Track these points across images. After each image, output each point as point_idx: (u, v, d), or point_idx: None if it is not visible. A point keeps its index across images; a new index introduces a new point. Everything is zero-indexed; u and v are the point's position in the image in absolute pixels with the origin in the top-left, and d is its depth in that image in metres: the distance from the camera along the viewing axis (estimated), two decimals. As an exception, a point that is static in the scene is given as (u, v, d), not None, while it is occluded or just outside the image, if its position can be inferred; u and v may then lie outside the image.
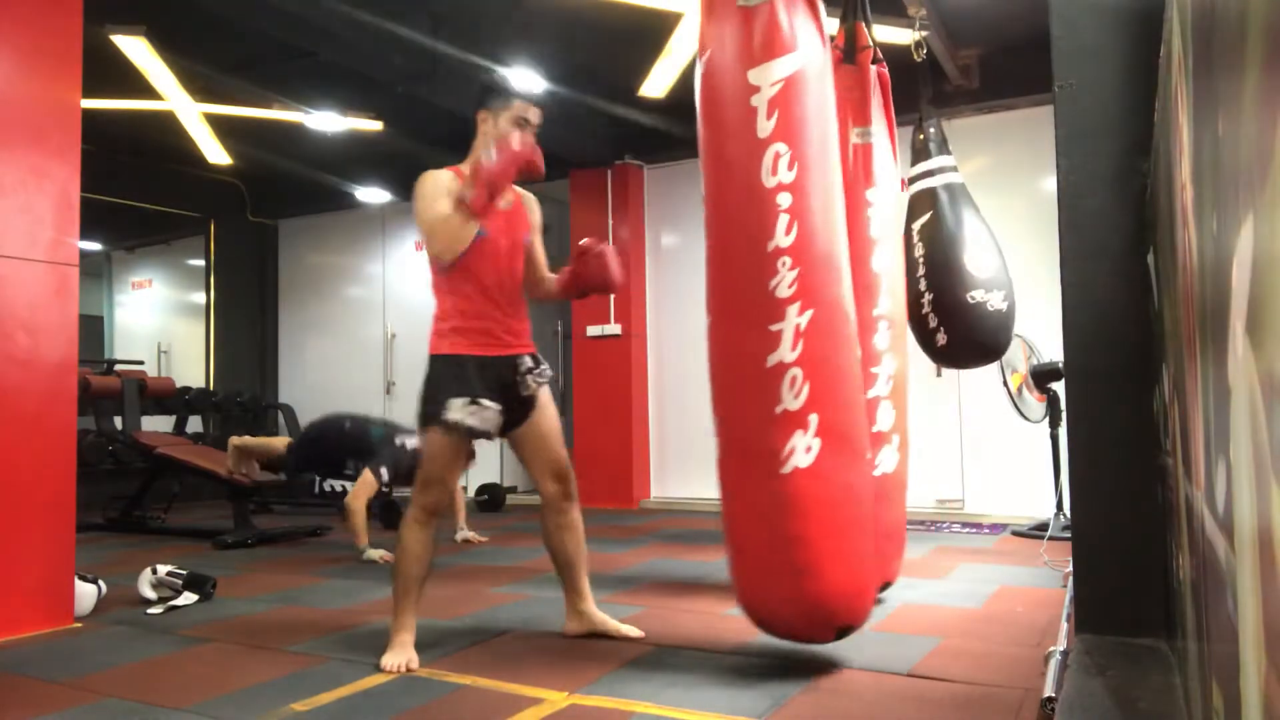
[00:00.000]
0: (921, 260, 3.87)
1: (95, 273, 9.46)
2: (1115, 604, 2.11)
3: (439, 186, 2.60)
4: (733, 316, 2.38)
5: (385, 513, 5.27)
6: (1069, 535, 2.59)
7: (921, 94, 4.16)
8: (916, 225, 3.98)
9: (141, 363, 7.48)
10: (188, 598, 3.38)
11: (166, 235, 8.91)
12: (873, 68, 3.31)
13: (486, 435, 2.64)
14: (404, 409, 7.55)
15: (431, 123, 6.08)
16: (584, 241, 2.76)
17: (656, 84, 5.00)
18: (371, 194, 7.60)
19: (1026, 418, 4.73)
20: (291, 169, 7.30)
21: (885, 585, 3.24)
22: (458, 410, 2.55)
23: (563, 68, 5.33)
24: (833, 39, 3.42)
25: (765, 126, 2.29)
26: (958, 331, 3.78)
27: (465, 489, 5.67)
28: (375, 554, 4.29)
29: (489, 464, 6.94)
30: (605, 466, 6.61)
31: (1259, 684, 0.59)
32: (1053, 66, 2.23)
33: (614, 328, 6.66)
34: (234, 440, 5.18)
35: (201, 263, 8.58)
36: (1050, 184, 3.00)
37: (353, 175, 7.39)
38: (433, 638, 2.82)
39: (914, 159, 4.18)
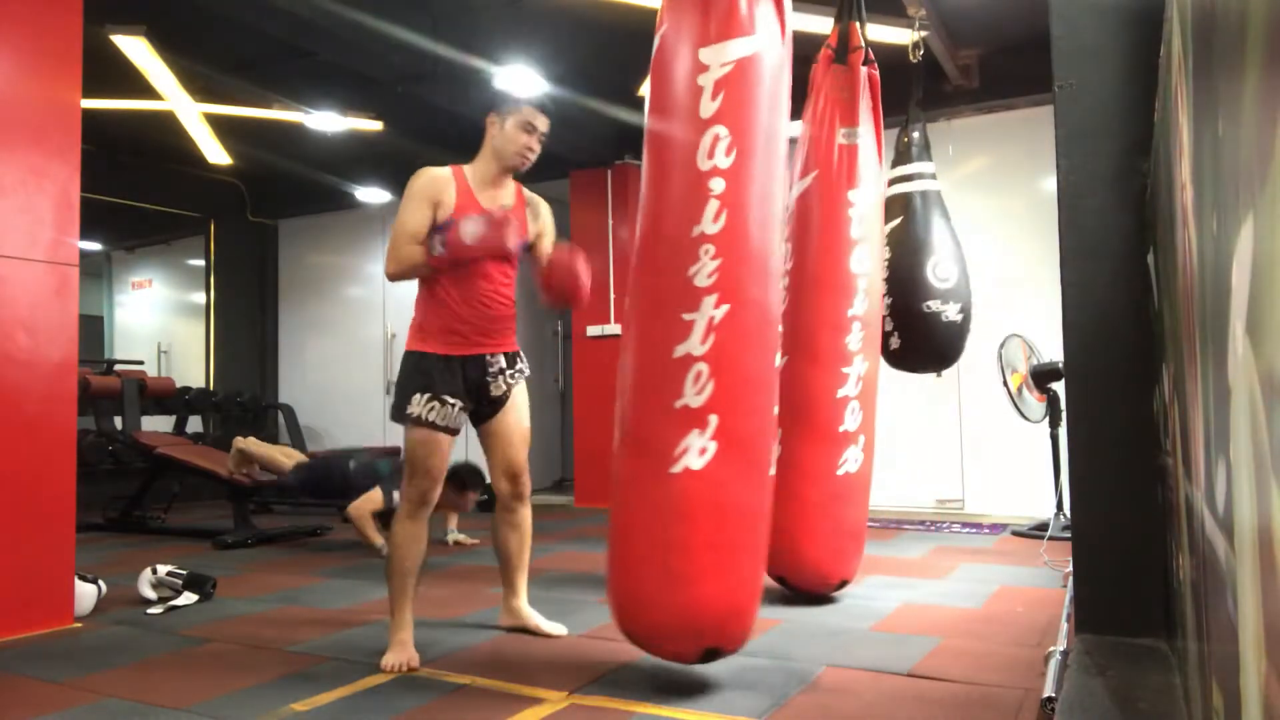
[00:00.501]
0: (886, 264, 3.90)
1: (95, 273, 9.46)
2: (1115, 604, 2.11)
3: (426, 191, 2.64)
4: (647, 302, 2.24)
5: (385, 517, 5.26)
6: (1069, 535, 2.59)
7: (911, 96, 4.16)
8: (887, 228, 4.00)
9: (141, 363, 7.47)
10: (188, 598, 3.38)
11: (166, 235, 8.90)
12: (863, 69, 3.31)
13: (451, 431, 2.68)
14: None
15: (431, 123, 6.08)
16: (555, 251, 2.75)
17: (656, 84, 5.00)
18: (371, 194, 7.60)
19: (1026, 418, 4.73)
20: (291, 169, 7.30)
21: (842, 583, 3.25)
22: (418, 406, 2.61)
23: (562, 68, 5.33)
24: (826, 39, 3.43)
25: (709, 107, 2.19)
26: (911, 338, 3.82)
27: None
28: (458, 536, 4.35)
29: (484, 465, 6.94)
30: (605, 466, 6.56)
31: (1259, 684, 0.59)
32: (1053, 66, 2.23)
33: (614, 328, 6.65)
34: (239, 442, 5.16)
35: (201, 263, 8.58)
36: (1050, 184, 3.00)
37: (353, 175, 7.39)
38: (433, 638, 2.82)
39: (895, 161, 4.19)
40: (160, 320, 9.23)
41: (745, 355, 2.18)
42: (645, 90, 5.13)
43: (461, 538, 4.95)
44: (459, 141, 6.38)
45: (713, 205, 2.16)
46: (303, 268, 8.40)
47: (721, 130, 2.17)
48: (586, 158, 6.57)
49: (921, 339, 3.87)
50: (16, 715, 2.18)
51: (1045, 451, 4.73)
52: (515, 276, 2.76)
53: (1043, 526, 4.51)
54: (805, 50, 3.90)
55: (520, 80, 5.10)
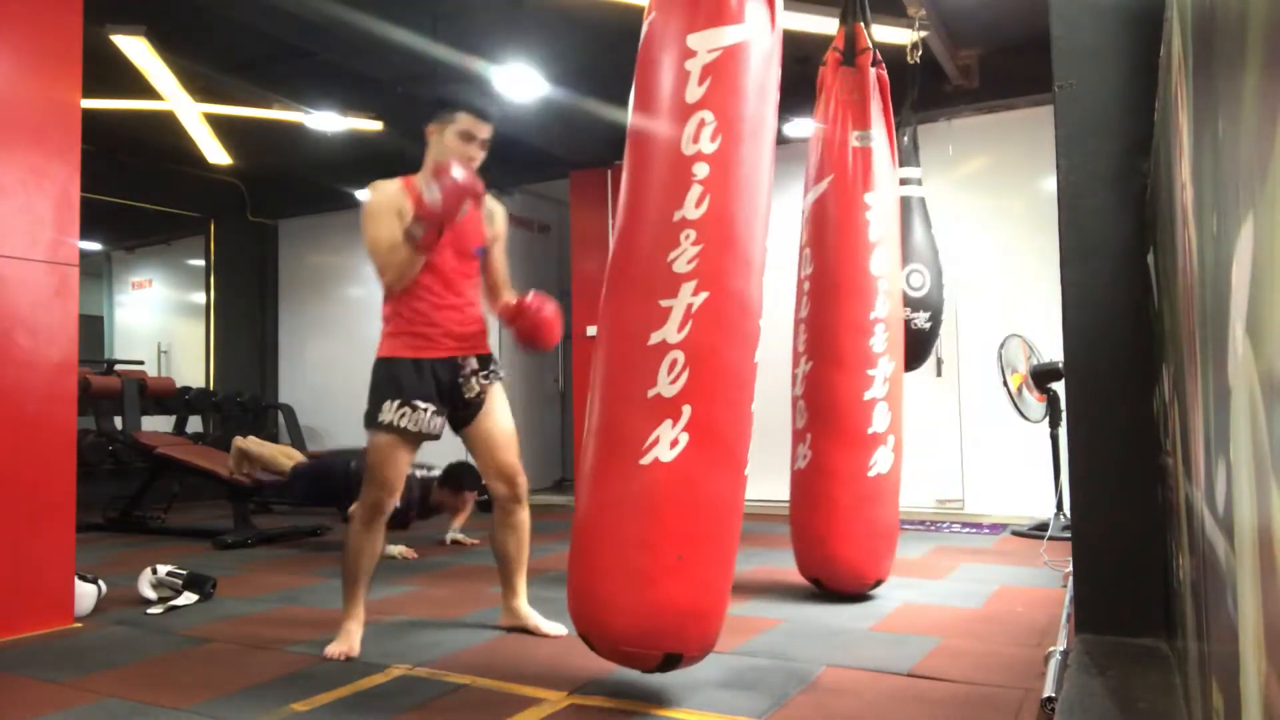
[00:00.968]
0: None
1: (95, 273, 9.46)
2: (1115, 604, 2.11)
3: (386, 204, 2.62)
4: (625, 287, 2.18)
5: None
6: (1069, 535, 2.59)
7: (905, 99, 4.16)
8: None
9: (141, 363, 7.48)
10: (188, 598, 3.38)
11: (166, 235, 8.91)
12: (872, 70, 3.31)
13: (429, 437, 2.68)
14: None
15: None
16: (529, 297, 2.76)
17: (656, 84, 5.00)
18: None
19: (1026, 418, 4.74)
20: (291, 169, 7.31)
21: (877, 583, 3.27)
22: (389, 413, 2.62)
23: (562, 68, 5.33)
24: (830, 40, 3.42)
25: (695, 92, 2.15)
26: None
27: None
28: (395, 550, 4.32)
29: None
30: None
31: (1259, 684, 0.59)
32: (1053, 66, 2.23)
33: (614, 328, 6.65)
34: (239, 441, 5.16)
35: (201, 263, 8.58)
36: (1050, 184, 3.00)
37: (353, 175, 7.38)
38: (433, 638, 2.83)
39: None
40: (160, 320, 9.23)
41: (723, 346, 2.10)
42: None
43: (460, 537, 4.94)
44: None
45: (695, 190, 2.10)
46: (303, 268, 8.41)
47: (707, 115, 2.13)
48: (586, 158, 6.57)
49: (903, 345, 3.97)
50: (16, 715, 2.18)
51: (1045, 451, 4.73)
52: (478, 279, 2.78)
53: (1043, 526, 4.51)
54: (808, 51, 3.90)
55: (520, 80, 5.10)
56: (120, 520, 5.56)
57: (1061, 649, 2.15)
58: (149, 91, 5.34)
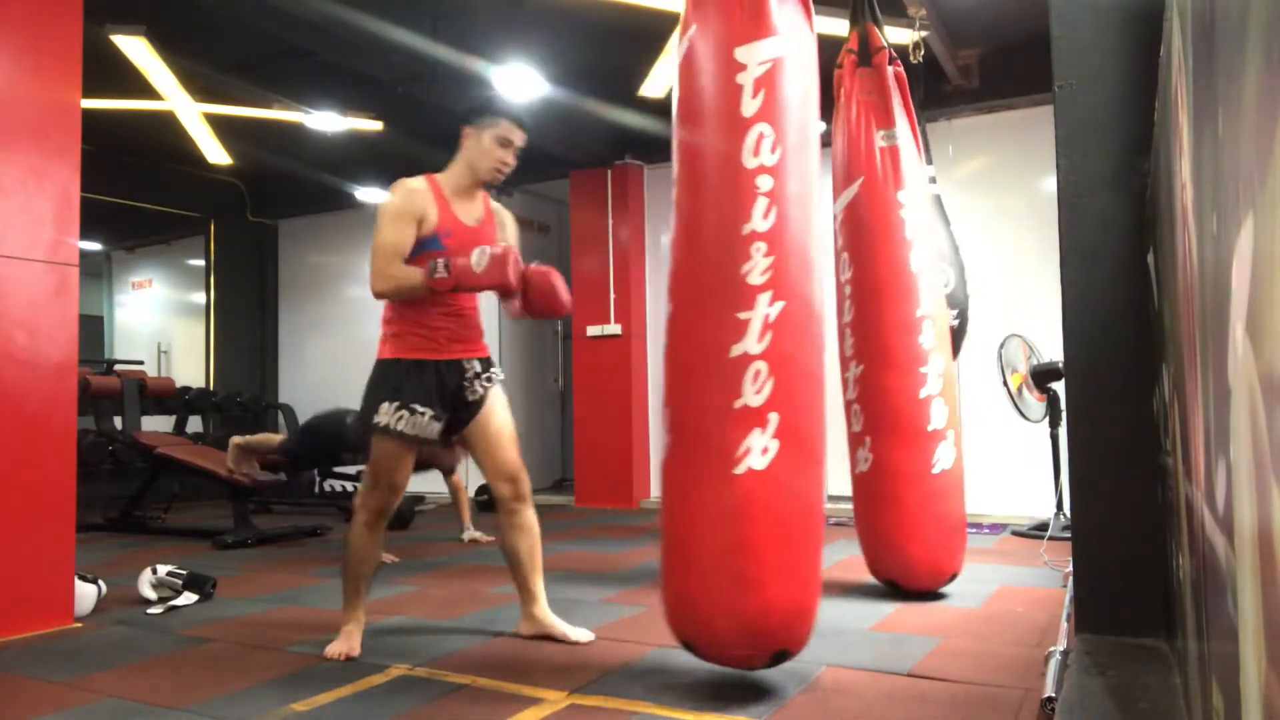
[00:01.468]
0: None
1: (95, 273, 9.46)
2: (1115, 604, 2.11)
3: (406, 209, 2.59)
4: (698, 302, 2.21)
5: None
6: (1069, 535, 2.59)
7: (914, 98, 4.16)
8: None
9: (141, 363, 7.47)
10: (188, 598, 3.38)
11: (166, 235, 8.91)
12: (889, 68, 3.31)
13: (426, 441, 2.66)
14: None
15: (431, 123, 6.06)
16: (531, 266, 2.73)
17: (656, 84, 5.00)
18: (371, 194, 7.60)
19: (1026, 418, 4.73)
20: (291, 169, 7.30)
21: (952, 577, 3.27)
22: (386, 415, 2.60)
23: (562, 68, 5.33)
24: (841, 44, 3.42)
25: (750, 105, 2.19)
26: None
27: (468, 489, 5.66)
28: (385, 557, 4.29)
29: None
30: (605, 466, 6.61)
31: (1259, 684, 0.59)
32: (1053, 66, 2.23)
33: (614, 328, 6.65)
34: (235, 440, 5.17)
35: (201, 263, 8.58)
36: (1050, 184, 3.00)
37: (353, 175, 7.39)
38: (433, 638, 2.83)
39: None
40: (160, 320, 9.23)
41: (800, 351, 2.17)
42: (649, 90, 5.09)
43: (477, 535, 4.95)
44: (459, 142, 6.35)
45: (761, 202, 2.16)
46: (303, 268, 8.41)
47: (765, 128, 2.18)
48: (586, 158, 6.57)
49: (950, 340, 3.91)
50: (16, 715, 2.18)
51: (1045, 451, 4.73)
52: None
53: (1043, 526, 4.51)
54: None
55: (520, 80, 5.09)
56: (120, 520, 5.56)
57: (1061, 649, 2.15)
58: (149, 91, 5.34)
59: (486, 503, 6.63)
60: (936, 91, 5.40)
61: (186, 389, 7.33)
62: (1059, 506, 4.49)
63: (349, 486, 6.35)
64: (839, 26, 3.54)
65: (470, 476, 6.66)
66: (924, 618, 2.97)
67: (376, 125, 5.99)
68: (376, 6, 4.54)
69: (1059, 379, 4.40)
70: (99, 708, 2.21)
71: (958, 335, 4.06)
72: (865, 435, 3.27)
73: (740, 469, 2.09)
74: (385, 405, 2.60)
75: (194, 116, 5.80)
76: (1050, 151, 2.24)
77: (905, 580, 3.25)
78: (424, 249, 2.58)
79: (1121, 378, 2.12)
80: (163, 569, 3.47)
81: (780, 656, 2.17)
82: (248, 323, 8.35)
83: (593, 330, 6.72)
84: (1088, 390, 2.18)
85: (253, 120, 6.11)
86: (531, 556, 2.77)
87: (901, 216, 3.21)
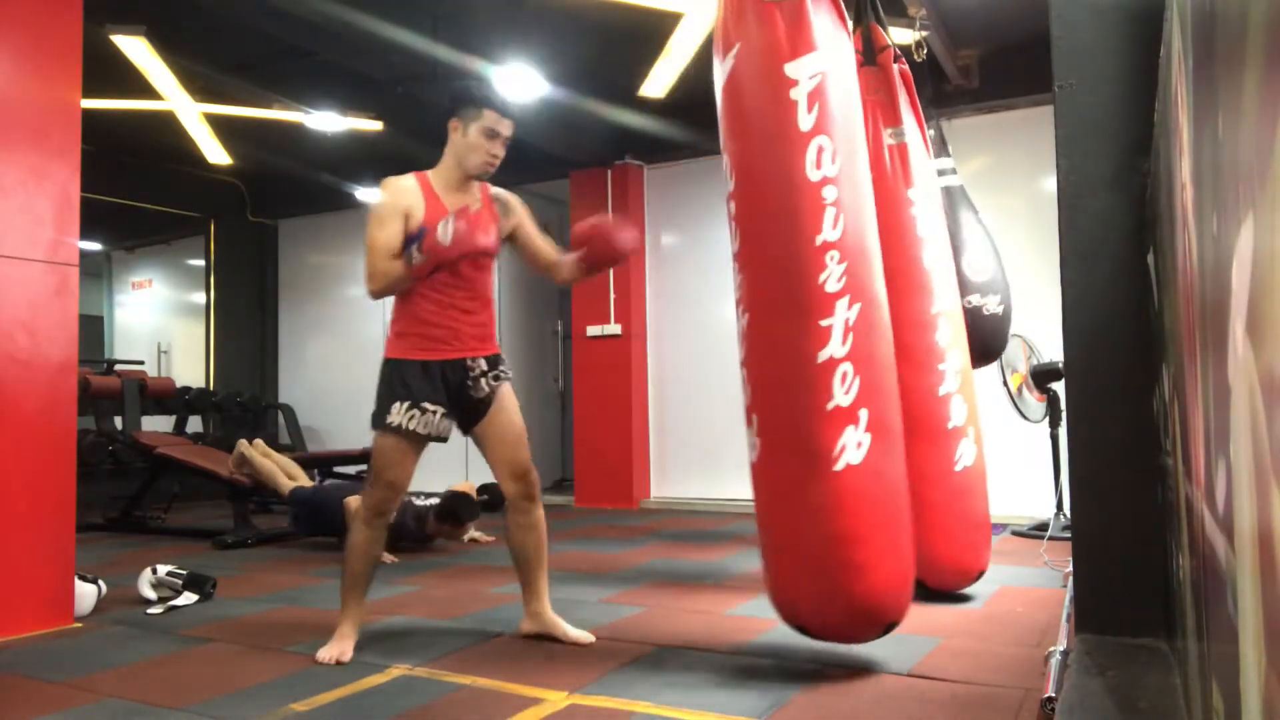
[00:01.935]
0: None
1: (95, 273, 9.46)
2: (1115, 604, 2.11)
3: (394, 206, 2.58)
4: (776, 314, 2.33)
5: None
6: (1069, 535, 2.59)
7: (922, 94, 4.16)
8: None
9: (141, 363, 7.48)
10: (188, 598, 3.38)
11: (166, 235, 8.91)
12: (895, 67, 3.31)
13: (436, 439, 2.66)
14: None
15: (431, 123, 6.04)
16: (582, 224, 2.71)
17: (656, 84, 5.00)
18: (372, 194, 7.57)
19: (1026, 418, 4.73)
20: (291, 169, 7.30)
21: (980, 574, 3.26)
22: (398, 414, 2.59)
23: (563, 68, 5.33)
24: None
25: (807, 120, 2.28)
26: None
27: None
28: (385, 557, 4.29)
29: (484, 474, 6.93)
30: (605, 466, 6.61)
31: (1259, 684, 0.59)
32: (1053, 66, 2.23)
33: (614, 328, 6.65)
34: (243, 445, 5.15)
35: (201, 263, 8.58)
36: (1050, 184, 3.00)
37: (353, 175, 7.39)
38: (433, 638, 2.83)
39: None
40: (160, 320, 9.23)
41: (877, 348, 2.32)
42: (649, 90, 5.07)
43: (477, 535, 4.95)
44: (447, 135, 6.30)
45: (830, 213, 2.28)
46: (303, 268, 8.41)
47: (824, 141, 2.29)
48: (586, 158, 6.57)
49: (966, 334, 3.84)
50: (16, 715, 2.18)
51: (1045, 451, 4.73)
52: (491, 278, 2.74)
53: (1043, 526, 4.51)
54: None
55: (520, 80, 5.09)
56: (120, 520, 5.56)
57: (1061, 649, 2.15)
58: (149, 91, 5.34)
59: (487, 503, 6.64)
60: (937, 91, 5.40)
61: (186, 389, 7.34)
62: (1059, 506, 4.49)
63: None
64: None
65: (469, 476, 6.66)
66: (924, 618, 2.97)
67: (376, 125, 5.99)
68: (376, 6, 4.54)
69: (1059, 379, 4.40)
70: (99, 708, 2.21)
71: (1003, 323, 4.00)
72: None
73: (840, 465, 2.24)
74: (397, 405, 2.59)
75: (194, 116, 5.80)
76: (1050, 151, 2.24)
77: (932, 580, 3.22)
78: (412, 243, 2.56)
79: (1121, 378, 2.12)
80: (163, 569, 3.47)
81: (890, 627, 2.36)
82: (248, 323, 8.35)
83: (593, 330, 6.72)
84: (1088, 390, 2.18)
85: (253, 120, 6.11)
86: (538, 555, 2.77)
87: (912, 214, 3.21)
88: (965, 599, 3.26)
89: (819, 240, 2.26)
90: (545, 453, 7.73)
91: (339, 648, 2.61)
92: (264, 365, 8.34)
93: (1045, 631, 2.74)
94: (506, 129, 2.67)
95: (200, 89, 5.56)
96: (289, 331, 8.40)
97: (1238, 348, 0.63)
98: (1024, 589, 3.40)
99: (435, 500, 4.73)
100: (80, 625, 3.09)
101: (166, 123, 5.98)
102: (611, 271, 6.69)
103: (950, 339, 3.21)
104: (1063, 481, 4.45)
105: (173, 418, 7.20)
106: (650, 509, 6.50)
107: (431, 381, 2.62)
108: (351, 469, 6.27)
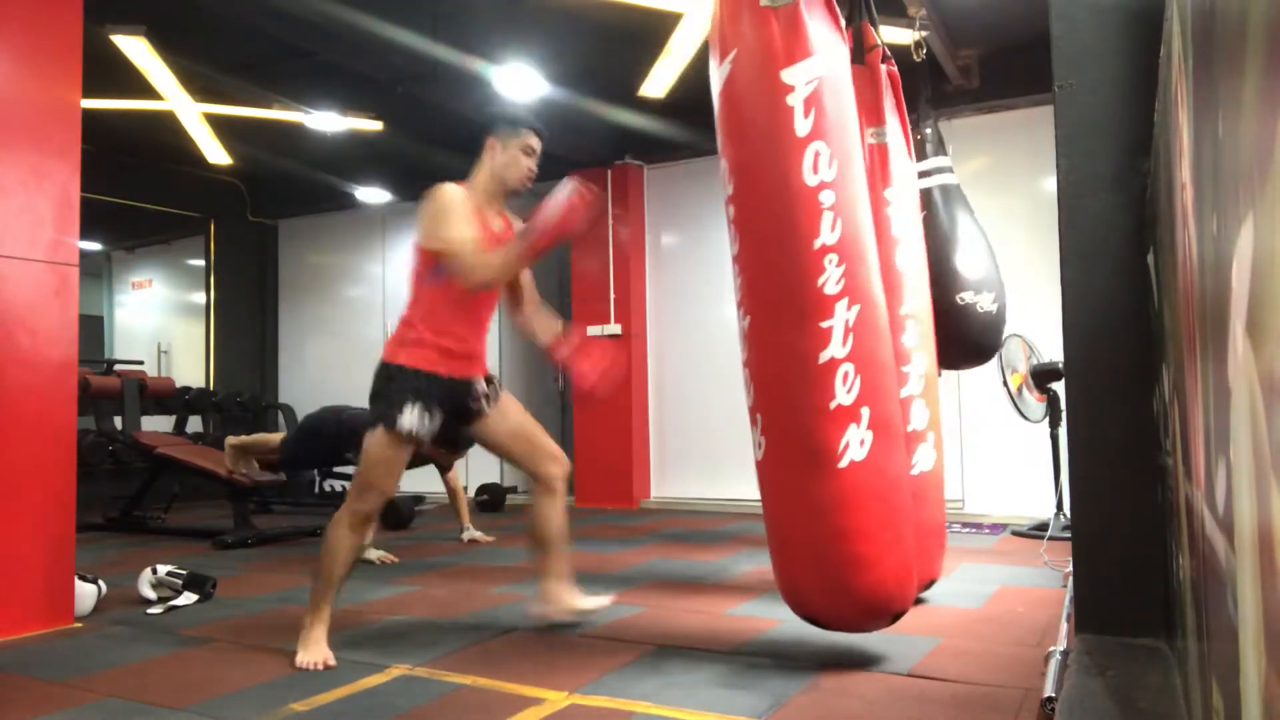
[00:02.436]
0: None
1: (95, 273, 9.46)
2: (1115, 604, 2.11)
3: (462, 205, 2.63)
4: (780, 315, 2.37)
5: (385, 513, 5.18)
6: (1069, 535, 2.59)
7: (920, 94, 4.16)
8: None
9: (141, 363, 7.47)
10: (188, 598, 3.38)
11: (166, 235, 8.91)
12: (882, 66, 3.32)
13: (421, 442, 2.66)
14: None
15: (431, 123, 6.08)
16: (583, 382, 2.79)
17: (656, 84, 5.00)
18: (371, 194, 7.60)
19: (1026, 418, 4.73)
20: (291, 169, 7.30)
21: (931, 582, 3.25)
22: (410, 415, 2.59)
23: (563, 68, 5.33)
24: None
25: (804, 125, 2.31)
26: (947, 332, 3.79)
27: (467, 489, 5.66)
28: (374, 555, 4.28)
29: (490, 464, 6.94)
30: (605, 466, 6.61)
31: (1259, 684, 0.59)
32: (1053, 66, 2.23)
33: (614, 328, 6.65)
34: (230, 440, 5.16)
35: (201, 263, 8.58)
36: (1050, 184, 3.00)
37: (353, 175, 7.39)
38: (433, 638, 2.83)
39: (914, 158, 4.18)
40: (160, 320, 9.23)
41: (877, 347, 2.36)
42: (649, 90, 5.08)
43: (477, 535, 4.95)
44: (458, 142, 6.36)
45: (828, 216, 2.31)
46: (303, 268, 8.41)
47: (821, 146, 2.31)
48: (586, 158, 6.57)
49: (958, 333, 3.82)
50: (16, 715, 2.18)
51: (1045, 451, 4.73)
52: (497, 299, 2.81)
53: (1043, 526, 4.51)
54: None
55: (520, 80, 5.09)
56: (120, 520, 5.56)
57: (1061, 649, 2.15)
58: (149, 91, 5.34)
59: (486, 503, 6.64)
60: (937, 91, 5.40)
61: (186, 389, 7.33)
62: (1059, 506, 4.49)
63: (347, 487, 6.34)
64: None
65: (469, 477, 6.67)
66: (924, 618, 2.97)
67: (376, 125, 5.99)
68: (376, 6, 4.54)
69: (1059, 379, 4.40)
70: (99, 708, 2.21)
71: (998, 321, 4.00)
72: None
73: (844, 463, 2.28)
74: (410, 407, 2.58)
75: (194, 116, 5.80)
76: (1050, 151, 2.24)
77: None
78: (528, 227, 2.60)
79: (1121, 378, 2.12)
80: (163, 569, 3.47)
81: (898, 616, 2.42)
82: (248, 323, 8.35)
83: (593, 330, 6.72)
84: (1088, 390, 2.18)
85: (253, 120, 6.11)
86: (564, 537, 2.86)
87: (887, 214, 3.22)
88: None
89: (817, 244, 2.29)
90: (545, 453, 7.72)
91: (320, 652, 2.55)
92: (264, 365, 8.34)
93: (1045, 631, 2.74)
94: (538, 145, 2.81)
95: (200, 89, 5.56)
96: (289, 331, 8.40)
97: (1238, 348, 0.63)
98: (1024, 589, 3.40)
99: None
100: (80, 625, 3.09)
101: (166, 123, 5.97)
102: (611, 272, 6.69)
103: (916, 342, 3.22)
104: (1063, 481, 4.45)
105: (173, 418, 7.20)
106: (650, 509, 6.50)
107: (439, 392, 2.65)
108: (351, 469, 6.27)
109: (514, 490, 7.02)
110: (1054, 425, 4.63)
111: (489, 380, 2.81)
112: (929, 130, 4.14)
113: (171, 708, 2.19)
